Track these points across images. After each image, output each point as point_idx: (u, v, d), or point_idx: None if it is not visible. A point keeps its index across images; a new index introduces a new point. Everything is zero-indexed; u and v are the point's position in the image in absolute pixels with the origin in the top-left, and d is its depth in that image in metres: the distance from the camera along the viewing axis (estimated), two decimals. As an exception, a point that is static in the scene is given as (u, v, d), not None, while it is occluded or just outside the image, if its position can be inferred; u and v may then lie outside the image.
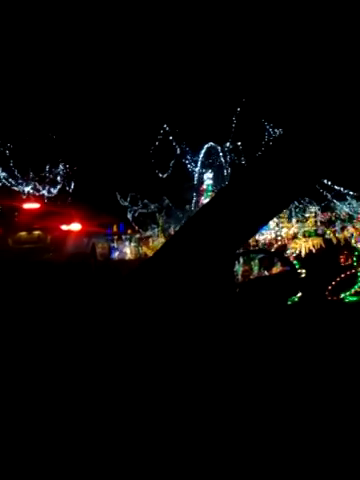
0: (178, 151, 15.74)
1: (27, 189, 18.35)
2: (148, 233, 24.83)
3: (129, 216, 23.43)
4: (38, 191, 18.30)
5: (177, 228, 22.67)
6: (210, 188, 13.75)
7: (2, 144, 17.23)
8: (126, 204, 23.59)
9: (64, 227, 12.86)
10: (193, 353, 3.16)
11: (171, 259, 3.53)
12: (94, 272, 12.95)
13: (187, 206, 21.67)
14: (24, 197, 18.43)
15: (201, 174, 14.50)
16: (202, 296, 3.33)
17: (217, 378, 3.12)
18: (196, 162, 14.91)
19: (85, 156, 18.39)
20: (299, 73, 13.61)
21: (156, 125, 15.99)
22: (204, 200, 13.51)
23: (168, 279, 3.40)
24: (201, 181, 14.60)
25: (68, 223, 13.05)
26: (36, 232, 12.30)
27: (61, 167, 18.15)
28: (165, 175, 16.94)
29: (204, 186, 14.73)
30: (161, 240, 23.82)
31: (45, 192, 18.36)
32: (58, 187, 18.21)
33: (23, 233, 12.19)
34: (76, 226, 13.39)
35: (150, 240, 25.23)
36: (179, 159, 15.90)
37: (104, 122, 18.41)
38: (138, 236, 25.56)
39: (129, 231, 23.13)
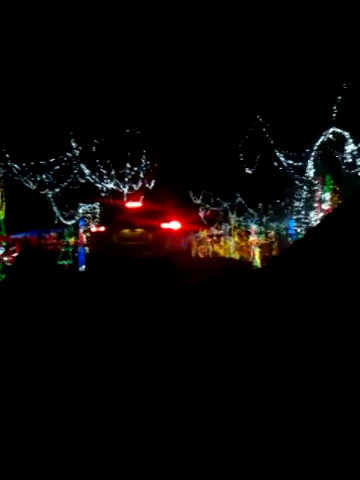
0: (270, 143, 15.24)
1: (109, 186, 18.44)
2: (220, 231, 24.68)
3: (201, 214, 23.32)
4: (120, 188, 18.34)
5: (253, 226, 22.36)
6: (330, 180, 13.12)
7: (88, 141, 17.31)
8: (199, 202, 23.46)
9: (164, 225, 13.46)
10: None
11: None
12: (192, 269, 13.08)
13: (260, 204, 21.23)
14: (100, 194, 18.55)
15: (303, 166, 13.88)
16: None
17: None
18: (296, 156, 14.38)
19: (166, 152, 18.27)
20: None
21: (244, 118, 15.67)
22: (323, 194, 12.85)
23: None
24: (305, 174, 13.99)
25: (168, 222, 13.65)
26: (138, 230, 12.97)
27: (143, 163, 18.09)
28: (251, 170, 16.60)
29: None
30: (235, 240, 23.60)
31: (126, 189, 18.34)
32: (139, 184, 18.15)
33: (126, 231, 12.90)
34: (175, 225, 13.95)
35: (222, 239, 25.07)
36: (270, 153, 15.46)
37: (189, 119, 18.26)
38: (207, 234, 25.48)
39: (200, 229, 23.09)
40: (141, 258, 12.16)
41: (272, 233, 17.66)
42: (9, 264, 12.32)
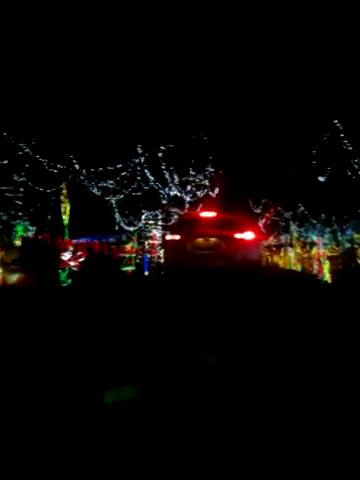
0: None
1: (172, 193, 18.25)
2: (281, 241, 23.77)
3: (260, 223, 22.60)
4: (183, 195, 18.11)
5: (316, 238, 21.28)
6: None
7: (154, 147, 17.24)
8: (258, 211, 22.78)
9: (238, 236, 13.53)
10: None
11: None
12: (266, 280, 12.71)
13: (323, 215, 20.13)
14: (166, 203, 18.47)
15: None
16: None
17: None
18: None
19: (231, 160, 17.81)
20: None
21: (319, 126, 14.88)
22: None
23: None
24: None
25: (242, 232, 13.72)
26: (212, 239, 13.19)
27: (209, 170, 17.73)
28: (324, 178, 15.70)
29: None
30: (297, 251, 22.59)
31: (188, 197, 18.06)
32: (205, 191, 17.80)
33: (201, 239, 13.13)
34: (249, 235, 13.94)
35: (282, 250, 24.12)
36: (344, 160, 14.55)
37: (257, 124, 17.70)
38: (265, 244, 24.66)
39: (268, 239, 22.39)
40: (215, 267, 12.40)
41: (344, 245, 16.57)
42: (75, 269, 12.33)
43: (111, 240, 28.89)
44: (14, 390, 3.02)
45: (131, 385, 2.65)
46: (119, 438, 2.22)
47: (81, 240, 20.79)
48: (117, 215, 26.84)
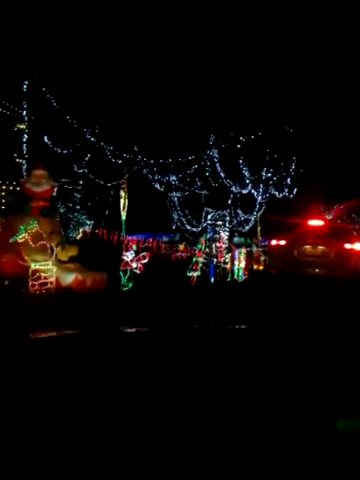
0: None
1: (245, 192, 16.41)
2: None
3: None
4: (254, 195, 16.27)
5: None
6: None
7: (231, 138, 15.47)
8: (329, 217, 20.75)
9: (347, 246, 12.25)
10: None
11: None
12: None
13: None
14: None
15: None
16: None
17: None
18: None
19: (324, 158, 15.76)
20: None
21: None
22: None
23: None
24: None
25: (352, 242, 12.41)
26: (320, 247, 12.20)
27: (293, 168, 15.76)
28: None
29: None
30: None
31: (260, 197, 16.20)
32: (286, 191, 15.85)
33: (308, 247, 12.25)
34: (358, 245, 12.57)
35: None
36: None
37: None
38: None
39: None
40: (323, 276, 11.63)
41: None
42: (138, 272, 10.83)
43: (164, 239, 27.54)
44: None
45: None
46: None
47: (134, 237, 19.45)
48: (175, 213, 25.44)
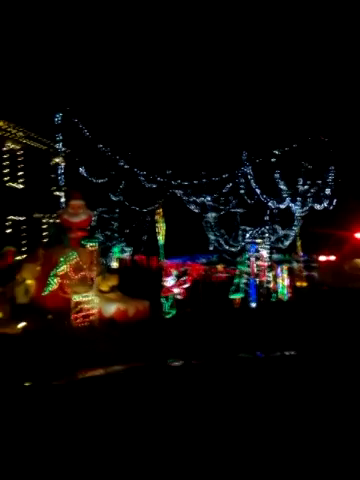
0: None
1: (282, 206, 15.96)
2: None
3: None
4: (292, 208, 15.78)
5: None
6: None
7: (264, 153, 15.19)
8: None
9: None
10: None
11: None
12: None
13: None
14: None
15: None
16: None
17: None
18: None
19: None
20: None
21: None
22: None
23: None
24: None
25: None
26: None
27: (331, 177, 15.14)
28: None
29: None
30: None
31: (298, 211, 15.64)
32: (325, 203, 15.24)
33: (359, 261, 11.93)
34: None
35: None
36: None
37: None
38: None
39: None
40: None
41: None
42: (180, 297, 10.55)
43: (202, 260, 27.17)
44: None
45: None
46: None
47: (173, 261, 19.26)
48: (212, 234, 25.16)
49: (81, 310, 8.59)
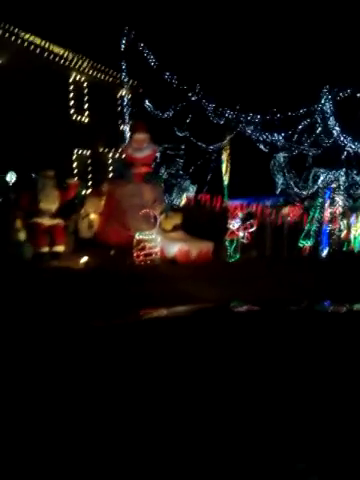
0: None
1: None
2: None
3: None
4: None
5: None
6: None
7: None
8: None
9: None
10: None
11: None
12: None
13: None
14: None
15: None
16: None
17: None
18: None
19: None
20: None
21: None
22: None
23: None
24: None
25: None
26: None
27: None
28: None
29: None
30: None
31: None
32: None
33: None
34: None
35: None
36: None
37: None
38: None
39: None
40: None
41: None
42: (245, 241, 10.02)
43: (268, 203, 26.09)
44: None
45: None
46: None
47: (237, 202, 18.49)
48: (280, 176, 23.80)
49: (143, 248, 8.37)
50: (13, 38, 13.90)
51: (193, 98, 13.12)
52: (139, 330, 2.21)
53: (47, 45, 14.85)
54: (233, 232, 9.75)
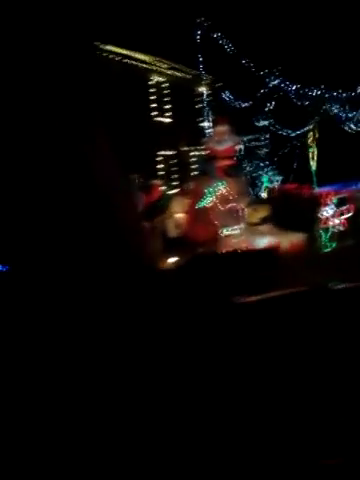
0: None
1: None
2: None
3: None
4: None
5: None
6: None
7: None
8: None
9: None
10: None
11: None
12: None
13: None
14: None
15: None
16: None
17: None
18: None
19: None
20: None
21: None
22: None
23: None
24: None
25: None
26: None
27: None
28: None
29: None
30: None
31: None
32: None
33: None
34: None
35: None
36: None
37: None
38: None
39: None
40: None
41: None
42: (341, 228, 9.32)
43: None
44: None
45: None
46: None
47: (326, 189, 17.41)
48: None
49: (231, 244, 8.17)
50: (98, 52, 14.50)
51: (274, 82, 12.57)
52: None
53: (128, 53, 15.29)
54: (327, 219, 9.13)
